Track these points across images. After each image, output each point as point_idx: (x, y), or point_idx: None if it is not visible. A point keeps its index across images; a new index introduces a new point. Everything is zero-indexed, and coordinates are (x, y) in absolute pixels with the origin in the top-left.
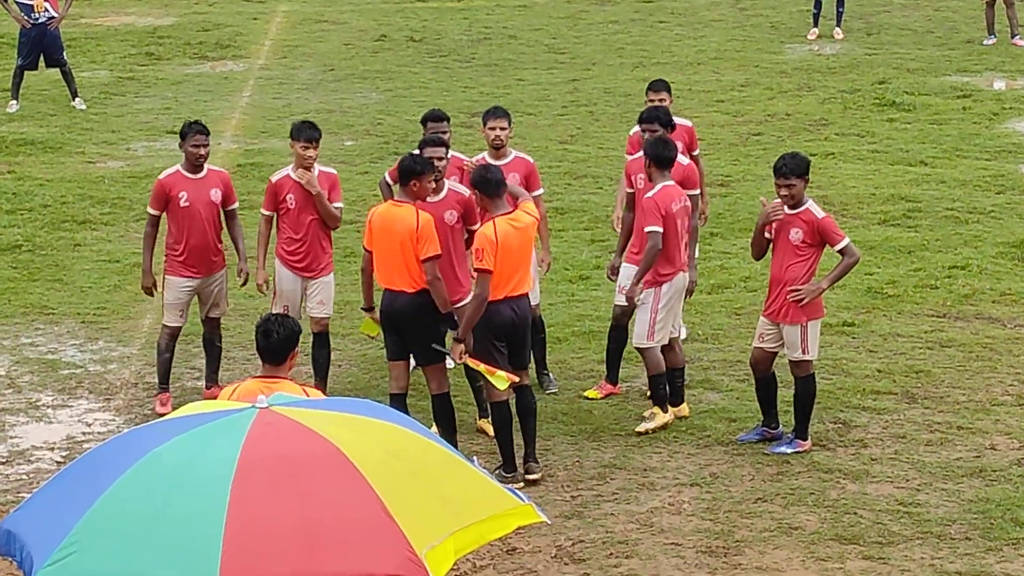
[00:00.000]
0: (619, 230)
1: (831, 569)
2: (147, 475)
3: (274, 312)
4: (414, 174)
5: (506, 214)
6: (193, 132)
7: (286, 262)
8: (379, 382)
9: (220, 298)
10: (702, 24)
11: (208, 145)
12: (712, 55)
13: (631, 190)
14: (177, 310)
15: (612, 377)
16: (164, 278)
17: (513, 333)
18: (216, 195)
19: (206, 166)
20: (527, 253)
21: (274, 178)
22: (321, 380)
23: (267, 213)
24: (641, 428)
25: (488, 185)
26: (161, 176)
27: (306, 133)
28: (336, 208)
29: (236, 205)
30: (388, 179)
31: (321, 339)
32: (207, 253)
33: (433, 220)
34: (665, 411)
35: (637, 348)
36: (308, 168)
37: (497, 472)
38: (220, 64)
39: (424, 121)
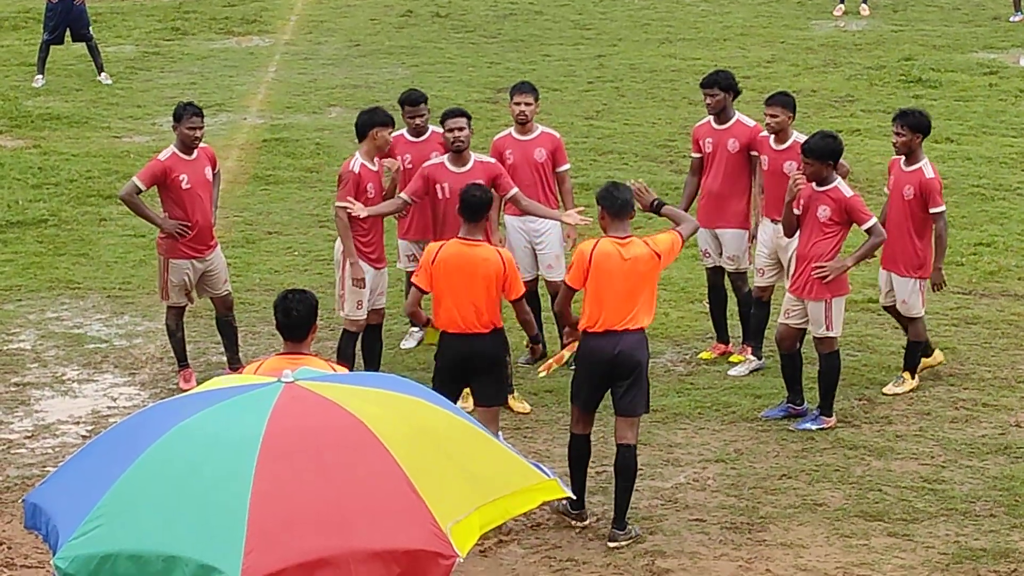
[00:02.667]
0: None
1: (855, 546)
2: (173, 449)
3: (291, 289)
4: (489, 205)
5: (618, 237)
6: (189, 114)
7: (363, 255)
8: (403, 357)
9: (225, 274)
10: (728, 0)
11: (203, 127)
12: (738, 31)
13: (698, 155)
14: (182, 291)
15: (723, 337)
16: (166, 261)
17: (613, 372)
18: (208, 173)
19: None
20: (637, 287)
21: (355, 168)
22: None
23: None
24: (888, 390)
25: (613, 202)
26: (161, 158)
27: (390, 118)
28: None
29: (219, 168)
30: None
31: (378, 331)
32: (208, 232)
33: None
34: (913, 378)
35: (909, 317)
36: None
37: (563, 505)
38: (246, 39)
39: (402, 104)
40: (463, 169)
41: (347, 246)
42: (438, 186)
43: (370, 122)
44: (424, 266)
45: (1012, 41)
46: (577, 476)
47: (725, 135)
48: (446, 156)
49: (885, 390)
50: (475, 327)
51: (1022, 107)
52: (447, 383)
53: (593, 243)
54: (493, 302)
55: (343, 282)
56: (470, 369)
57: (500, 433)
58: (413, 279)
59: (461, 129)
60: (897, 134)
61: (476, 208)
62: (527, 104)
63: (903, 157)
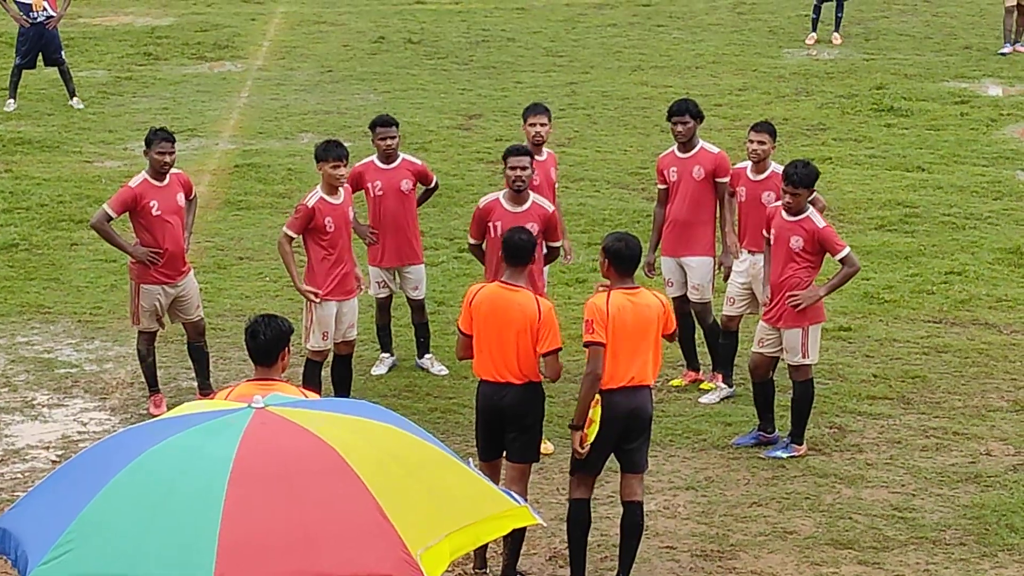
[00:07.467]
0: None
1: (826, 573)
2: (143, 474)
3: (264, 314)
4: (531, 252)
5: (627, 288)
6: (159, 140)
7: (334, 286)
8: (374, 383)
9: (197, 300)
10: (700, 28)
11: (174, 152)
12: (710, 59)
13: (663, 186)
14: (153, 316)
15: (693, 365)
16: (137, 286)
17: (627, 429)
18: (181, 199)
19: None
20: (647, 339)
21: (309, 202)
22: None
23: (293, 235)
24: None
25: (620, 259)
26: (132, 184)
27: (335, 151)
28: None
29: (195, 194)
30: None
31: (348, 361)
32: (180, 258)
33: None
34: None
35: None
36: (339, 187)
37: None
38: (218, 65)
39: (373, 126)
40: (521, 209)
41: (291, 274)
42: (491, 225)
43: (318, 156)
44: (464, 307)
45: (983, 71)
46: (580, 547)
47: (690, 163)
48: (502, 193)
49: None
50: (507, 376)
51: (993, 136)
52: (483, 434)
53: (605, 297)
54: (527, 353)
55: (310, 314)
56: (504, 421)
57: (472, 460)
58: (459, 322)
59: (524, 168)
60: None
61: (518, 252)
62: (542, 125)
63: None
